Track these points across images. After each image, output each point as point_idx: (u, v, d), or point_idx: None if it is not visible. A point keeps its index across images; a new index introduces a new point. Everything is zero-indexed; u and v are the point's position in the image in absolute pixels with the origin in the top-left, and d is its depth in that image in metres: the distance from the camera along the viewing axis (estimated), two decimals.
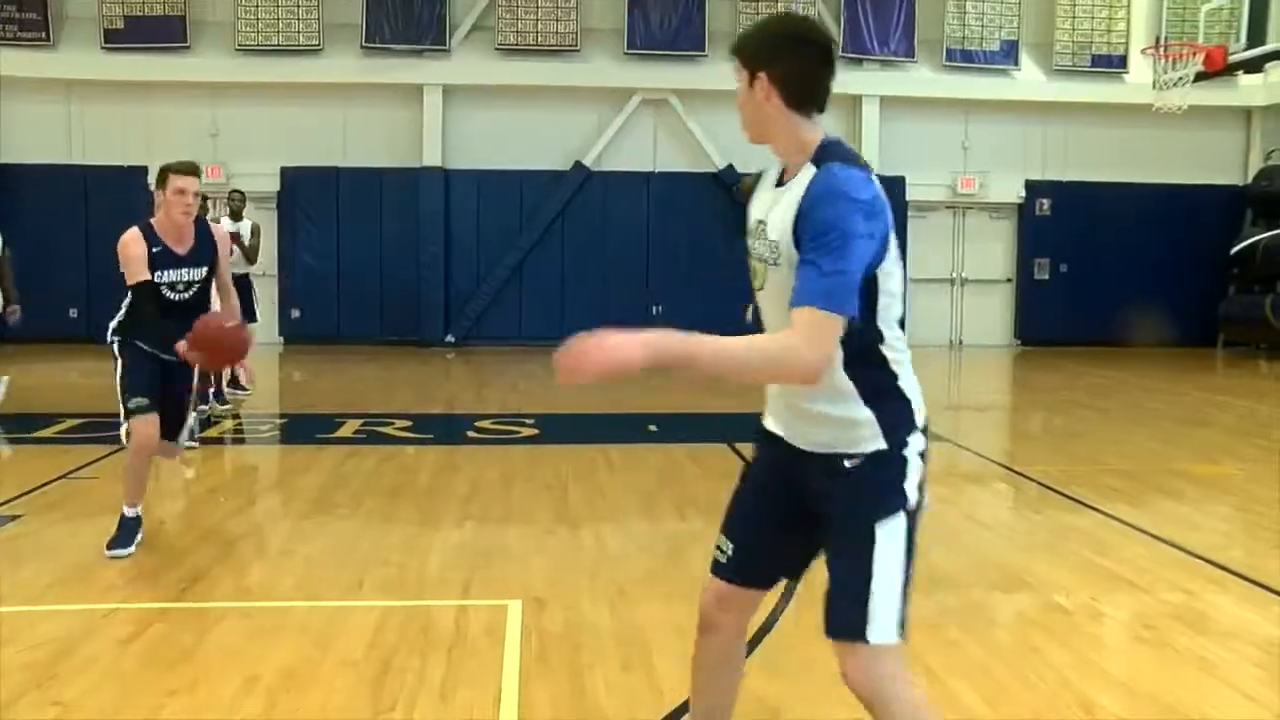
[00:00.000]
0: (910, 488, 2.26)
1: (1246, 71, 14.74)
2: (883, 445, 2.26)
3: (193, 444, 7.72)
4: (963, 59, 16.67)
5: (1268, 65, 14.56)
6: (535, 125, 16.25)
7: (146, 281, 4.97)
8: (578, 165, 16.41)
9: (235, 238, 10.63)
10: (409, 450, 7.88)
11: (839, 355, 2.22)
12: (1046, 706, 3.38)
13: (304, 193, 16.04)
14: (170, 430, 5.17)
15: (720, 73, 16.76)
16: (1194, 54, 13.31)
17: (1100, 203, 16.71)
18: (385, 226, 16.21)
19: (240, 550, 5.32)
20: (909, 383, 2.32)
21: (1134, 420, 9.54)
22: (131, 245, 4.98)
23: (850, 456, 2.28)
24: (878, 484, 2.25)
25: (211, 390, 9.23)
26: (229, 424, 9.16)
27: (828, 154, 2.24)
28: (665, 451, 7.72)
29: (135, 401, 4.94)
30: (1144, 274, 16.60)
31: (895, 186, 15.46)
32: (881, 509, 2.24)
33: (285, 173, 15.97)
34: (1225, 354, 16.43)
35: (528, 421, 9.11)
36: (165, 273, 5.03)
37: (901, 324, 2.32)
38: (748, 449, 6.82)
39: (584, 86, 16.21)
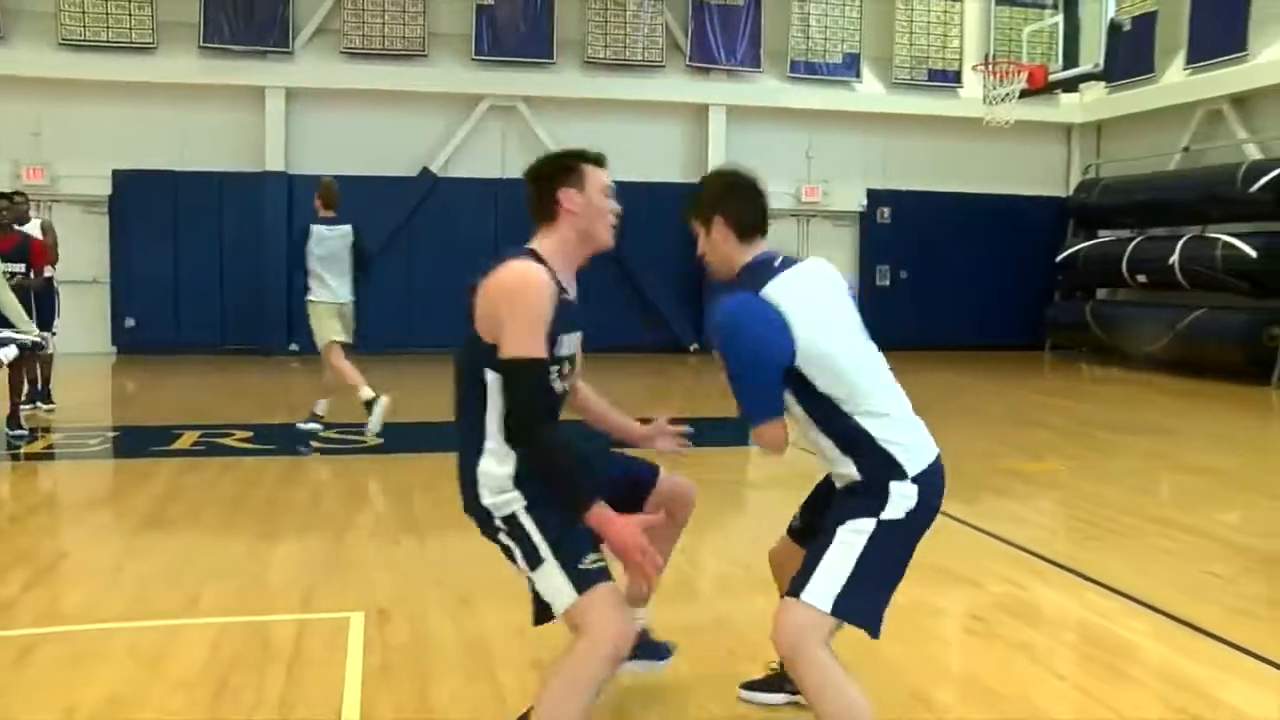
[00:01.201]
0: (887, 510, 2.73)
1: (1065, 91, 15.62)
2: (866, 480, 2.77)
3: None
4: (807, 70, 17.10)
5: (1082, 86, 15.47)
6: (381, 130, 15.95)
7: (541, 361, 2.82)
8: (425, 171, 16.20)
9: (48, 233, 10.11)
10: (249, 461, 7.64)
11: (812, 425, 2.80)
12: (881, 700, 3.48)
13: (138, 197, 15.32)
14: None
15: (569, 80, 16.87)
16: (1018, 72, 13.99)
17: (937, 211, 17.40)
18: (225, 232, 15.66)
19: (61, 572, 5.04)
20: (892, 436, 2.77)
21: (970, 421, 9.95)
22: (541, 289, 2.84)
23: (848, 483, 2.84)
24: (855, 503, 2.77)
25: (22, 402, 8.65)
26: (52, 438, 8.70)
27: (738, 280, 2.84)
28: None
29: (591, 560, 2.72)
30: (979, 280, 17.40)
31: None
32: (849, 515, 2.74)
33: (117, 176, 15.23)
34: (1052, 357, 17.29)
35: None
36: (564, 340, 2.92)
37: (870, 384, 2.83)
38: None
39: (431, 92, 15.98)
